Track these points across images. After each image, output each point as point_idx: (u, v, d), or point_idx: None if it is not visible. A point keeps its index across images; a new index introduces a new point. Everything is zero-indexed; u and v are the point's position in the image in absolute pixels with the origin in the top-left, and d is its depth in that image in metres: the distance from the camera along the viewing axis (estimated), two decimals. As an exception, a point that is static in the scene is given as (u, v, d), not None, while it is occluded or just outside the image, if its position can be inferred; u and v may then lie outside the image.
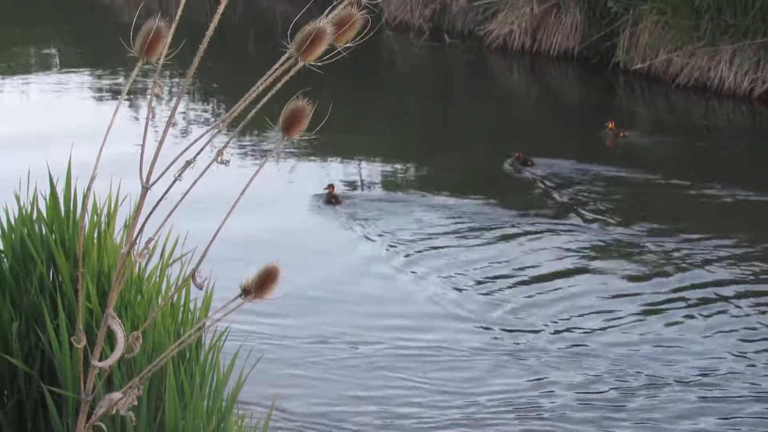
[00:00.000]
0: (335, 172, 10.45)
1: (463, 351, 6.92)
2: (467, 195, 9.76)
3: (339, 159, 10.89)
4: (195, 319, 4.52)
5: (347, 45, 1.65)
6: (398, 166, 10.92)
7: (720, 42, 13.02)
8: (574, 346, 6.97)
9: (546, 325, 7.24)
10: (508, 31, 15.15)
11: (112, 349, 1.73)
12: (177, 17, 1.66)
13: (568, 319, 7.32)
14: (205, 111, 13.01)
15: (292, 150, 10.84)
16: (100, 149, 1.69)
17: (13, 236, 4.62)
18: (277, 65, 1.64)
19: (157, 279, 4.64)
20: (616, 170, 10.45)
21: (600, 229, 8.95)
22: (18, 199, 4.71)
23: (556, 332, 7.14)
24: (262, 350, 6.30)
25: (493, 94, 14.47)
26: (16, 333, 4.42)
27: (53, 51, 16.73)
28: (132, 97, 13.00)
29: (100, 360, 1.74)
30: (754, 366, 6.72)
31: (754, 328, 7.20)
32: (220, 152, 1.67)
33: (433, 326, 7.25)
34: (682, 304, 7.55)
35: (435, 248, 8.53)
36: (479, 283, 7.89)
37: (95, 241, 4.56)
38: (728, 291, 7.73)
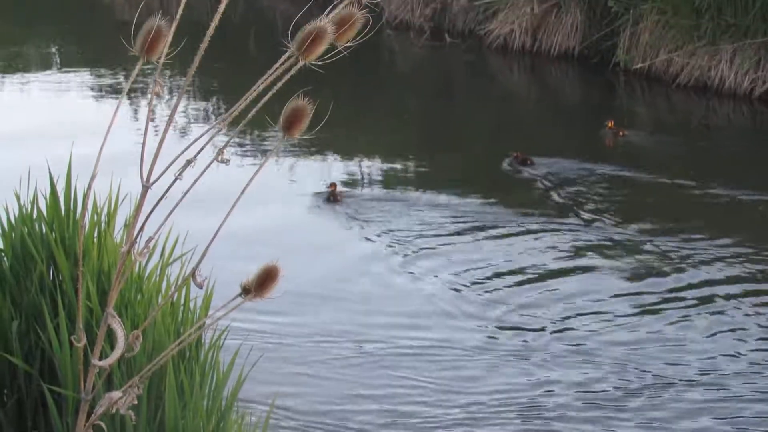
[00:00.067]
0: (336, 171, 10.46)
1: (464, 350, 6.92)
2: (467, 194, 9.76)
3: (339, 158, 10.89)
4: (195, 318, 4.52)
5: (348, 44, 1.65)
6: (398, 165, 10.92)
7: (720, 41, 13.02)
8: (575, 345, 6.97)
9: (547, 325, 7.24)
10: (509, 31, 15.15)
11: (112, 348, 1.73)
12: (178, 16, 1.66)
13: (569, 318, 7.32)
14: (206, 110, 13.01)
15: (292, 149, 10.84)
16: (101, 148, 1.70)
17: (13, 235, 4.62)
18: (277, 64, 1.64)
19: (158, 278, 4.64)
20: (616, 169, 10.44)
21: (599, 228, 8.96)
22: (18, 198, 4.71)
23: (558, 331, 7.14)
24: (262, 349, 6.30)
25: (494, 94, 14.47)
26: (16, 332, 4.42)
27: (53, 50, 16.73)
28: (132, 95, 13.00)
29: (100, 359, 1.74)
30: (756, 365, 6.72)
31: (756, 328, 7.20)
32: (220, 151, 1.67)
33: (434, 325, 7.25)
34: (683, 303, 7.55)
35: (435, 247, 8.53)
36: (480, 282, 7.89)
37: (95, 240, 4.56)
38: (729, 290, 7.73)
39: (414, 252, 8.42)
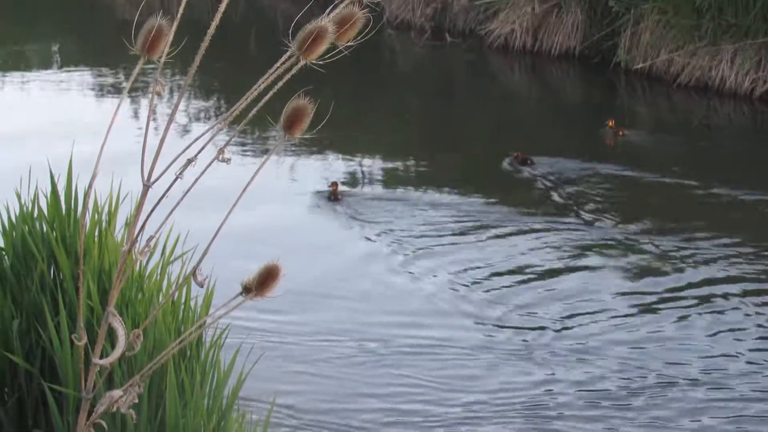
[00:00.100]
0: (336, 170, 10.46)
1: (465, 348, 6.92)
2: (468, 194, 9.76)
3: (340, 157, 10.89)
4: (196, 317, 4.52)
5: (349, 44, 1.65)
6: (399, 164, 10.92)
7: (721, 42, 13.02)
8: (576, 344, 6.97)
9: (548, 324, 7.24)
10: (510, 31, 15.15)
11: (113, 346, 1.73)
12: (179, 15, 1.67)
13: (569, 318, 7.33)
14: (207, 109, 13.01)
15: (293, 148, 10.84)
16: (102, 147, 1.70)
17: (14, 234, 4.62)
18: (278, 63, 1.64)
19: (158, 277, 4.64)
20: (616, 169, 10.45)
21: (599, 227, 8.96)
22: (19, 197, 4.71)
23: (559, 330, 7.15)
24: (263, 347, 6.31)
25: (495, 94, 14.47)
26: (17, 330, 4.43)
27: (54, 49, 16.73)
28: (133, 95, 13.00)
29: (101, 358, 1.74)
30: (757, 364, 6.73)
31: (757, 327, 7.20)
32: (221, 150, 1.68)
33: (434, 324, 7.26)
34: (684, 302, 7.55)
35: (436, 246, 8.54)
36: (480, 281, 7.89)
37: (96, 238, 4.56)
38: (730, 289, 7.73)
39: (415, 251, 8.42)
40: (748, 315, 7.37)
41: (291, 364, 6.65)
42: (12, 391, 4.51)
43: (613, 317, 7.35)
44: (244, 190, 1.68)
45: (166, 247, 4.74)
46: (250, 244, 7.68)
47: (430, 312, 7.43)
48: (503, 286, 7.82)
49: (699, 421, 6.12)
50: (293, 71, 1.64)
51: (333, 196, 9.48)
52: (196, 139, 1.67)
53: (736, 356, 6.84)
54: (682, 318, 7.33)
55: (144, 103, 12.78)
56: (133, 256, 1.68)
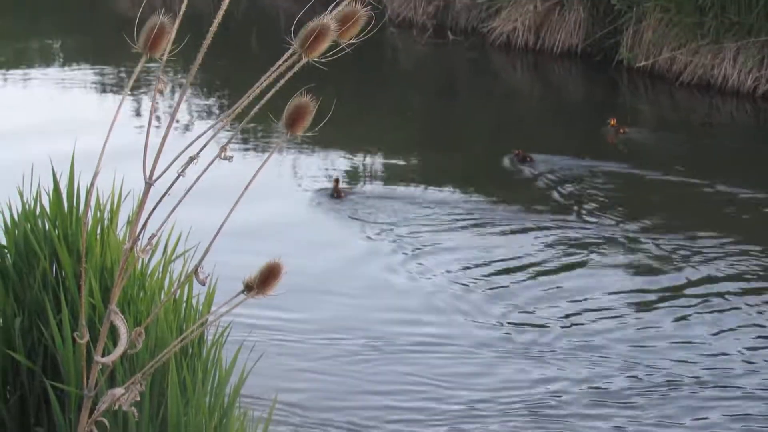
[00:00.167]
0: (338, 167, 10.46)
1: (468, 346, 6.92)
2: (470, 192, 9.77)
3: (342, 155, 10.89)
4: (197, 315, 4.52)
5: (351, 41, 1.65)
6: (401, 162, 10.92)
7: (724, 40, 13.01)
8: (580, 342, 6.97)
9: (551, 321, 7.24)
10: (512, 29, 15.15)
11: (115, 344, 1.73)
12: (180, 13, 1.67)
13: (573, 316, 7.33)
14: (209, 107, 13.01)
15: (295, 146, 10.84)
16: (104, 145, 1.70)
17: (16, 231, 4.62)
18: (280, 61, 1.64)
19: (160, 275, 4.64)
20: (617, 167, 10.44)
21: (600, 226, 8.95)
22: (21, 195, 4.71)
23: (563, 328, 7.15)
24: (265, 344, 6.31)
25: (497, 92, 14.47)
26: (19, 328, 4.43)
27: (56, 47, 16.73)
28: (135, 92, 13.00)
29: (103, 356, 1.74)
30: (763, 362, 6.72)
31: (762, 326, 7.20)
32: (223, 148, 1.68)
33: (437, 321, 7.26)
34: (687, 301, 7.55)
35: (437, 244, 8.54)
36: (482, 278, 7.89)
37: (98, 236, 4.56)
38: (734, 287, 7.73)
39: (416, 248, 8.43)
40: (752, 313, 7.37)
41: (294, 361, 6.65)
42: (14, 388, 4.51)
43: (615, 315, 7.35)
44: (246, 188, 1.68)
45: (168, 245, 4.74)
46: (252, 242, 7.68)
47: (432, 309, 7.43)
48: (505, 284, 7.82)
49: (704, 419, 6.12)
50: (295, 69, 1.64)
51: (335, 193, 9.49)
52: (198, 137, 1.67)
53: (741, 354, 6.83)
54: (685, 316, 7.33)
55: (146, 100, 12.78)
56: (135, 254, 1.68)
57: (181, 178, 1.64)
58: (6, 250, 4.65)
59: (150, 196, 1.67)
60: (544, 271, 8.05)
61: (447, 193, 9.79)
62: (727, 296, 7.61)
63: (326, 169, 10.37)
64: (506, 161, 10.56)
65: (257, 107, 1.66)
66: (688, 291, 7.70)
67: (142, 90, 13.05)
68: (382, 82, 14.76)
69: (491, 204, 9.48)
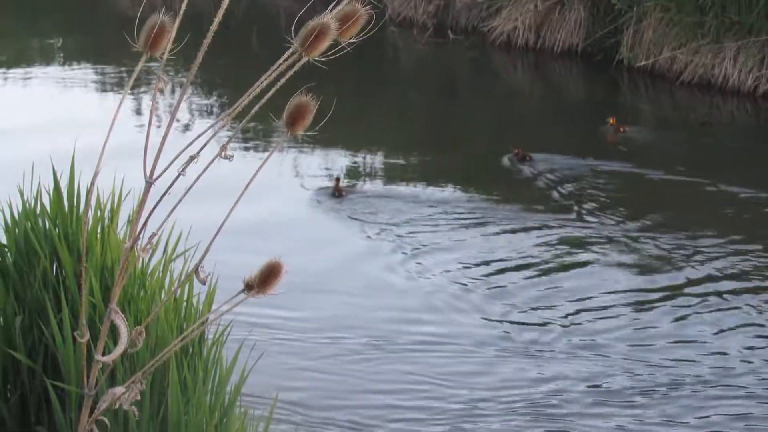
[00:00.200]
0: (339, 166, 10.46)
1: (469, 345, 6.92)
2: (470, 191, 9.77)
3: (343, 154, 10.89)
4: (198, 314, 4.52)
5: (351, 41, 1.65)
6: (401, 161, 10.92)
7: (724, 39, 13.01)
8: (582, 341, 6.97)
9: (553, 320, 7.24)
10: (512, 28, 15.14)
11: (115, 343, 1.73)
12: (181, 12, 1.67)
13: (574, 314, 7.33)
14: (209, 106, 13.01)
15: (295, 145, 10.84)
16: (104, 144, 1.70)
17: (16, 230, 4.62)
18: (281, 60, 1.64)
19: (161, 274, 4.64)
20: (617, 166, 10.44)
21: (600, 225, 8.95)
22: (21, 194, 4.71)
23: (564, 327, 7.15)
24: (265, 343, 6.31)
25: (497, 91, 14.47)
26: (20, 327, 4.43)
27: (56, 46, 16.73)
28: (135, 91, 13.00)
29: (104, 355, 1.74)
30: (765, 361, 6.72)
31: (762, 325, 7.20)
32: (223, 147, 1.68)
33: (438, 320, 7.26)
34: (687, 300, 7.55)
35: (438, 243, 8.54)
36: (483, 277, 7.89)
37: (98, 235, 4.56)
38: (735, 287, 7.73)
39: (417, 247, 8.43)
40: (752, 312, 7.37)
41: (294, 360, 6.65)
42: (15, 387, 4.51)
43: (616, 314, 7.35)
44: (247, 187, 1.68)
45: (169, 244, 4.74)
46: (252, 241, 7.68)
47: (433, 308, 7.43)
48: (505, 283, 7.82)
49: (705, 418, 6.12)
50: (296, 68, 1.64)
51: (336, 192, 9.49)
52: (199, 136, 1.67)
53: (742, 353, 6.83)
54: (685, 315, 7.33)
55: (146, 99, 12.78)
56: (136, 253, 1.68)
57: (181, 177, 1.64)
58: (6, 249, 4.65)
59: (150, 195, 1.67)
60: (544, 270, 8.05)
61: (447, 192, 9.79)
62: (727, 295, 7.60)
63: (326, 169, 10.37)
64: (506, 160, 10.56)
65: (257, 106, 1.66)
66: (688, 290, 7.70)
67: (142, 89, 13.05)
68: (382, 81, 14.76)
69: (492, 203, 9.48)
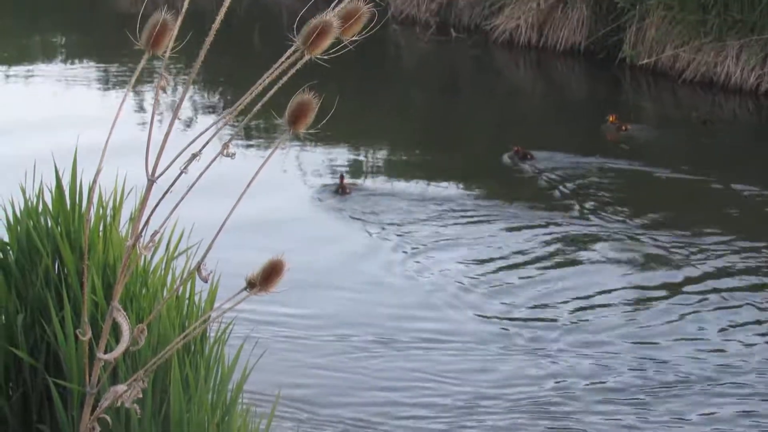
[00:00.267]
0: (341, 164, 10.47)
1: (472, 342, 6.93)
2: (472, 188, 9.77)
3: (344, 152, 10.89)
4: (200, 312, 4.52)
5: (353, 38, 1.65)
6: (403, 159, 10.92)
7: (727, 37, 13.00)
8: (586, 338, 6.97)
9: (556, 317, 7.24)
10: (515, 26, 15.14)
11: (117, 341, 1.73)
12: (183, 10, 1.67)
13: (577, 312, 7.33)
14: (211, 104, 13.01)
15: (298, 142, 10.85)
16: (106, 141, 1.70)
17: (18, 228, 4.62)
18: (283, 58, 1.64)
19: (163, 272, 4.64)
20: (619, 164, 10.44)
21: (600, 223, 8.95)
22: (24, 191, 4.71)
23: (567, 324, 7.15)
24: (268, 341, 6.31)
25: (499, 89, 14.47)
26: (22, 325, 4.43)
27: (59, 43, 16.73)
28: (138, 89, 13.00)
29: (106, 352, 1.74)
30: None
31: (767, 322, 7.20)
32: (225, 145, 1.68)
33: (440, 317, 7.26)
34: (689, 297, 7.54)
35: (441, 240, 8.54)
36: (486, 275, 7.89)
37: (101, 233, 4.56)
38: (738, 284, 7.72)
39: (420, 245, 8.43)
40: (757, 309, 7.36)
41: (297, 357, 6.66)
42: (17, 385, 4.51)
43: (620, 312, 7.35)
44: (249, 184, 1.68)
45: (171, 242, 4.74)
46: (254, 238, 7.69)
47: (436, 306, 7.43)
48: (509, 280, 7.82)
49: (711, 414, 6.11)
50: (298, 66, 1.64)
51: (340, 189, 9.49)
52: (201, 134, 1.67)
53: (748, 350, 6.83)
54: (689, 313, 7.33)
55: (148, 97, 12.78)
56: (138, 251, 1.68)
57: (183, 174, 1.64)
58: (8, 247, 4.65)
59: (152, 193, 1.67)
60: (547, 268, 8.04)
61: (450, 190, 9.79)
62: (731, 293, 7.60)
63: (328, 166, 10.37)
64: (505, 159, 10.55)
65: (260, 104, 1.66)
66: (690, 288, 7.70)
67: (144, 87, 13.05)
68: (384, 79, 14.76)
69: (494, 201, 9.47)
